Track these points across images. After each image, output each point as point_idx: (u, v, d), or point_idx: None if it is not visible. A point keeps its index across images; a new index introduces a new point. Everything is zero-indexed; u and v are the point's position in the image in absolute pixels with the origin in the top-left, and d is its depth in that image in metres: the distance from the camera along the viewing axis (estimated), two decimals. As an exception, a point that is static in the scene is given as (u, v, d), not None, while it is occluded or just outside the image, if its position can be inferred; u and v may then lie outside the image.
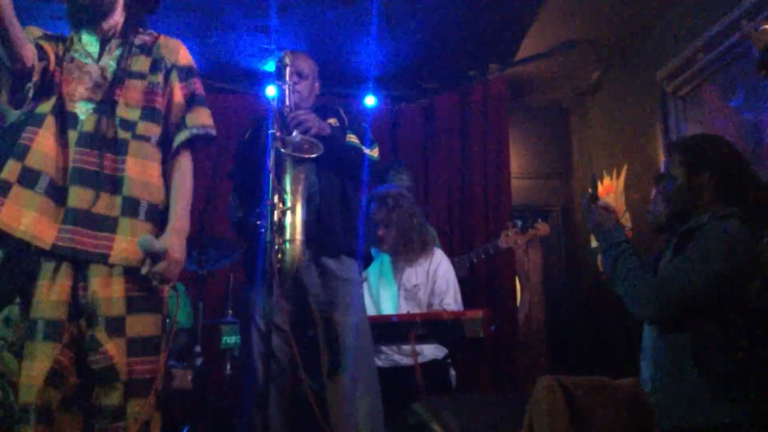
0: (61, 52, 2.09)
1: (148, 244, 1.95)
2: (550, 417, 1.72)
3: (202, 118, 2.19)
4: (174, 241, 2.01)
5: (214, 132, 2.21)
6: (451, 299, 3.43)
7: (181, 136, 2.15)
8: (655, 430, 1.80)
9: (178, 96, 2.18)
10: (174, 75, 2.19)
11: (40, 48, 2.00)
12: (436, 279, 3.46)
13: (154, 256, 1.96)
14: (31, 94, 2.00)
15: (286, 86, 2.52)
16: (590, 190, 2.52)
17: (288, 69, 2.54)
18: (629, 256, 2.25)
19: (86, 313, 1.96)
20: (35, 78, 1.98)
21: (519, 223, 4.06)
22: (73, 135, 2.03)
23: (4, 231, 1.91)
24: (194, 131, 2.15)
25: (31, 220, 1.93)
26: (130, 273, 1.99)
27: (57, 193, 1.99)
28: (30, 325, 1.93)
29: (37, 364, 1.89)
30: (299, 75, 2.73)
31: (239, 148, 2.89)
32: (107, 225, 1.99)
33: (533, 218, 4.07)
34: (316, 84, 2.86)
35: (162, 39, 2.24)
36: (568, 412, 1.73)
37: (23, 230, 1.93)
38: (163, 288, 2.07)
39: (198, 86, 2.24)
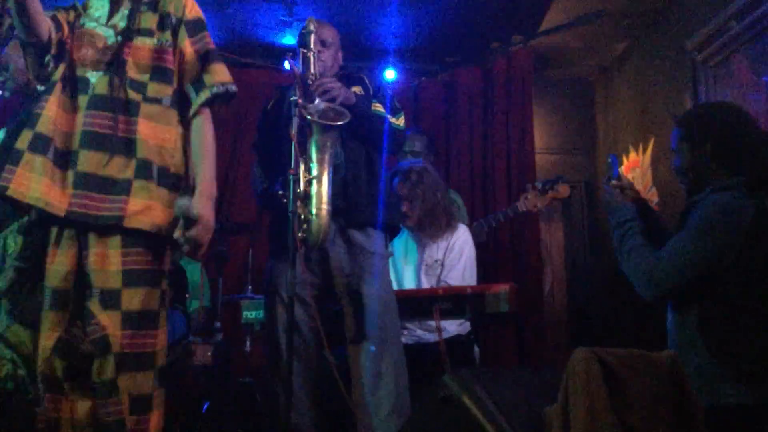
0: (72, 19, 2.06)
1: (186, 209, 1.90)
2: (587, 389, 1.67)
3: (219, 76, 2.09)
4: (204, 205, 1.96)
5: (234, 88, 2.11)
6: (457, 274, 3.36)
7: (202, 97, 2.06)
8: (695, 403, 1.75)
9: (189, 52, 2.09)
10: (183, 31, 2.10)
11: (55, 20, 1.98)
12: (451, 253, 3.41)
13: (187, 222, 1.91)
14: (51, 67, 1.98)
15: (311, 53, 2.45)
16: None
17: (312, 36, 2.47)
18: (634, 234, 2.20)
19: (82, 283, 1.92)
20: (53, 51, 1.96)
21: (539, 185, 3.90)
22: (83, 99, 1.98)
23: (17, 199, 1.88)
24: (214, 90, 2.07)
25: (42, 186, 1.89)
26: (131, 244, 1.93)
27: (62, 159, 1.94)
28: (46, 293, 1.91)
29: (45, 333, 1.87)
30: (323, 44, 2.67)
31: (262, 118, 2.83)
32: (121, 187, 1.94)
33: (554, 180, 3.90)
34: (339, 53, 2.81)
35: None
36: (606, 384, 1.68)
37: (36, 197, 1.89)
38: (163, 260, 2.00)
39: (209, 40, 2.13)
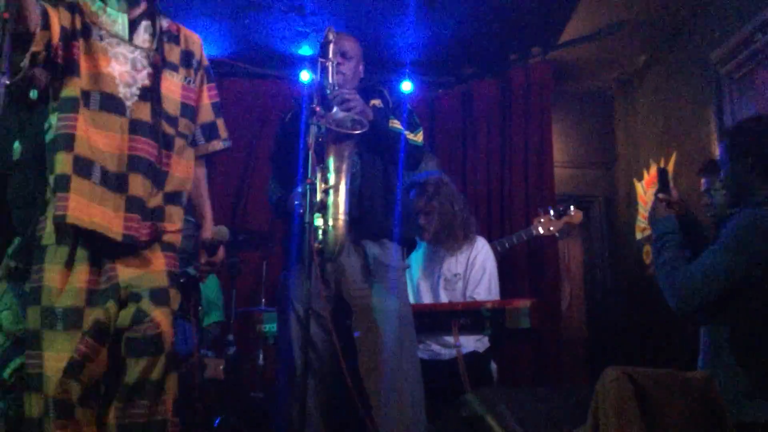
0: (78, 24, 1.95)
1: (224, 236, 2.30)
2: (619, 409, 1.61)
3: (225, 130, 2.29)
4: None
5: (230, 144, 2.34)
6: (483, 289, 3.29)
7: (218, 145, 2.26)
8: (728, 425, 1.69)
9: (206, 99, 2.23)
10: (203, 75, 2.22)
11: (44, 16, 1.84)
12: (474, 267, 3.34)
13: (213, 247, 2.23)
14: (25, 64, 1.82)
15: (330, 63, 2.42)
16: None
17: (332, 46, 2.44)
18: (671, 247, 2.20)
19: (117, 294, 1.90)
20: (36, 48, 1.82)
21: (551, 210, 3.86)
22: (120, 120, 1.96)
23: (77, 225, 1.86)
24: (227, 143, 2.28)
25: (98, 211, 1.89)
26: (167, 248, 2.04)
27: (111, 181, 1.93)
28: (45, 313, 1.85)
29: (56, 354, 1.83)
30: (343, 55, 2.65)
31: (280, 130, 2.80)
32: (157, 215, 2.02)
33: (566, 205, 3.88)
34: (360, 66, 2.78)
35: (184, 30, 2.21)
36: (638, 404, 1.63)
37: (96, 222, 1.88)
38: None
39: (216, 93, 2.31)
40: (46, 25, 1.85)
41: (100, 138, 1.93)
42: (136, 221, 1.93)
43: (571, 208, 3.84)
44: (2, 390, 2.21)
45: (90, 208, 1.87)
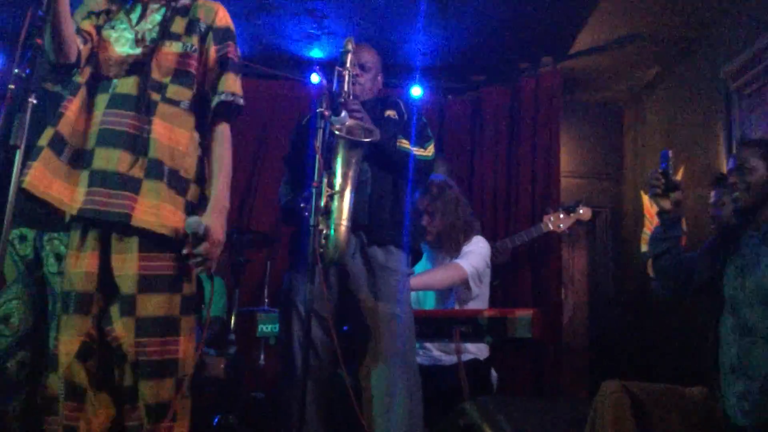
0: (102, 22, 2.03)
1: (195, 226, 1.86)
2: (616, 423, 1.61)
3: (231, 85, 2.06)
4: (215, 220, 1.92)
5: (241, 101, 2.08)
6: (465, 255, 3.30)
7: (213, 102, 2.04)
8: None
9: (213, 59, 2.07)
10: (210, 37, 2.08)
11: (81, 33, 1.96)
12: (465, 249, 3.35)
13: (196, 238, 1.87)
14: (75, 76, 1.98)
15: (346, 72, 2.44)
16: None
17: (350, 56, 2.45)
18: None
19: (109, 287, 1.90)
20: (82, 64, 1.95)
21: (561, 207, 4.06)
22: (103, 98, 1.96)
23: (32, 193, 1.85)
24: (222, 97, 2.03)
25: (57, 185, 1.88)
26: (148, 248, 1.88)
27: (79, 158, 1.93)
28: (64, 297, 1.89)
29: (68, 338, 1.84)
30: (362, 67, 2.67)
31: (296, 133, 2.82)
32: (130, 185, 1.89)
33: (575, 203, 4.07)
34: (379, 77, 2.80)
35: (201, 1, 2.13)
36: (635, 418, 1.63)
37: (51, 194, 1.87)
38: (183, 265, 1.93)
39: (232, 50, 2.11)
40: (86, 41, 1.97)
41: (81, 120, 1.95)
42: (96, 194, 1.86)
43: (580, 205, 4.05)
44: (8, 386, 2.24)
45: (52, 181, 1.87)
